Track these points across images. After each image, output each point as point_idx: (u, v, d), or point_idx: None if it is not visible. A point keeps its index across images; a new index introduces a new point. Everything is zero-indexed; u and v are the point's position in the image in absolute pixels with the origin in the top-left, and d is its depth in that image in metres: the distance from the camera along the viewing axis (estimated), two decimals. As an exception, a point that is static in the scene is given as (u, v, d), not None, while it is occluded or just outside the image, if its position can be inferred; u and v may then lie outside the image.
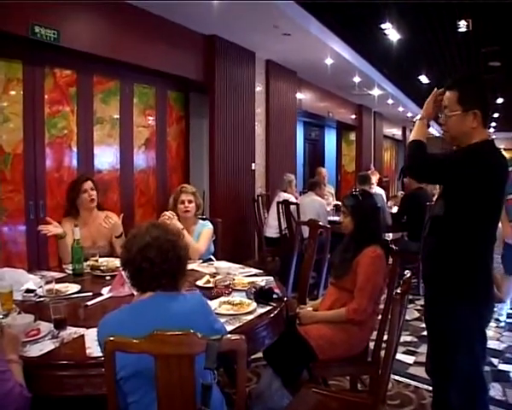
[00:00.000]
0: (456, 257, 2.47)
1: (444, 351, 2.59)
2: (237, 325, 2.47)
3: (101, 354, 2.00)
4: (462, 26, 7.48)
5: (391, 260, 3.19)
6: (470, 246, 2.45)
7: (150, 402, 1.77)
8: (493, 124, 23.15)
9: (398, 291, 2.20)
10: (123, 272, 2.16)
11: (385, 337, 3.07)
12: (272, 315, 2.65)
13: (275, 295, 2.84)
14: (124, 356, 1.74)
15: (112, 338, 1.70)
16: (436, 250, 2.58)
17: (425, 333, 4.81)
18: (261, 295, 2.82)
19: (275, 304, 2.78)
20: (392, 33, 7.47)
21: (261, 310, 2.69)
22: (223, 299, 2.85)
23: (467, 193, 2.39)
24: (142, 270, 1.96)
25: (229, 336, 1.79)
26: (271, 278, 3.36)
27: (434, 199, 2.71)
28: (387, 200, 9.02)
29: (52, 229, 3.72)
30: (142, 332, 1.69)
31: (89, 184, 3.99)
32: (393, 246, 3.23)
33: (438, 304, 2.59)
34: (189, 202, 4.13)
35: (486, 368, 4.18)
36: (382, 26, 7.23)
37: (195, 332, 1.69)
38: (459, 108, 2.48)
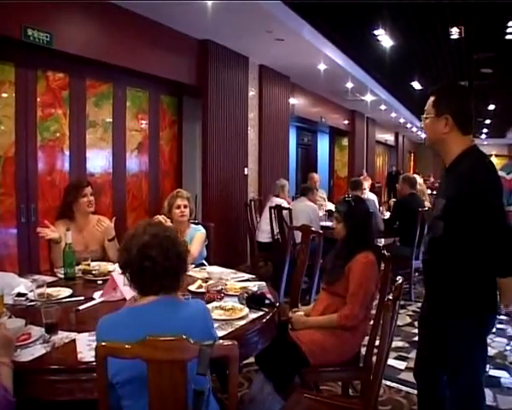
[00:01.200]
0: (457, 275, 2.44)
1: (443, 362, 2.60)
2: (229, 330, 2.47)
3: (92, 359, 1.99)
4: (455, 32, 7.54)
5: (383, 265, 3.20)
6: (474, 263, 2.41)
7: (143, 407, 1.75)
8: (485, 130, 23.35)
9: (390, 297, 2.20)
10: (121, 276, 2.13)
11: (377, 343, 3.10)
12: (264, 320, 2.66)
13: (267, 301, 2.85)
14: (119, 361, 1.73)
15: (103, 343, 1.69)
16: (437, 269, 2.58)
17: (417, 339, 4.83)
18: (253, 301, 2.82)
19: (267, 309, 2.78)
20: (384, 39, 7.52)
21: (253, 315, 2.70)
22: (215, 304, 2.85)
23: (469, 215, 2.37)
24: (143, 269, 1.93)
25: (221, 341, 1.78)
26: (263, 284, 3.35)
27: (431, 219, 2.68)
28: (379, 205, 9.05)
29: (49, 233, 3.72)
30: (141, 336, 1.68)
31: (89, 190, 4.00)
32: (385, 252, 3.23)
33: (438, 318, 2.59)
34: (185, 206, 4.14)
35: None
36: (375, 32, 7.27)
37: (188, 338, 1.68)
38: (433, 112, 2.55)
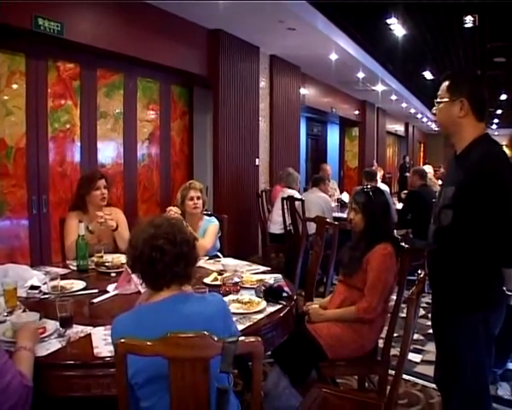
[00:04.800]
0: (465, 267, 2.35)
1: (449, 361, 2.53)
2: (248, 324, 2.43)
3: (109, 354, 1.96)
4: (469, 21, 7.43)
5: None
6: (481, 255, 2.31)
7: (164, 407, 1.70)
8: (496, 120, 23.15)
9: (413, 291, 2.15)
10: (133, 275, 2.09)
11: (394, 335, 3.05)
12: (282, 314, 2.61)
13: (284, 294, 2.80)
14: (137, 362, 1.68)
15: (123, 340, 1.64)
16: (443, 260, 2.50)
17: (431, 331, 4.77)
18: (270, 294, 2.77)
19: (284, 302, 2.73)
20: (397, 28, 7.43)
21: (271, 309, 2.65)
22: (231, 297, 2.80)
23: (479, 203, 2.29)
24: (153, 261, 1.88)
25: (243, 338, 1.72)
26: (280, 276, 3.30)
27: (438, 208, 2.59)
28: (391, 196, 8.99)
29: (109, 219, 3.78)
30: (158, 334, 1.62)
31: (102, 182, 3.93)
32: (404, 243, 3.16)
33: (445, 313, 2.53)
34: (198, 198, 4.09)
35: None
36: (388, 21, 7.18)
37: (211, 334, 1.63)
38: (447, 96, 2.47)
